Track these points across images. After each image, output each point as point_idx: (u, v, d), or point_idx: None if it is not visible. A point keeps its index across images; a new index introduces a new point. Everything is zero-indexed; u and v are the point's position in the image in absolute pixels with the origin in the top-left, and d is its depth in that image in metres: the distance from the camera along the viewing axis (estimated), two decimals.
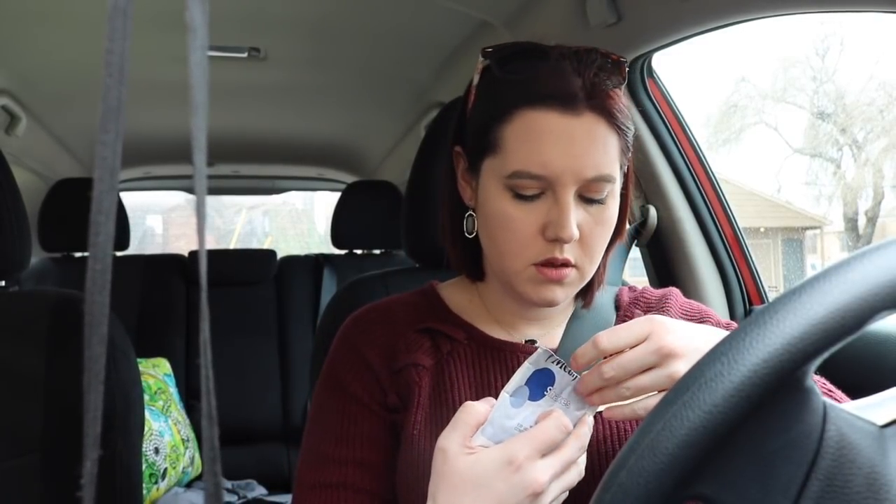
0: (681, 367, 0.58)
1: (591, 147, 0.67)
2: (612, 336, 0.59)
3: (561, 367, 0.60)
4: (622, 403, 0.60)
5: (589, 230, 0.69)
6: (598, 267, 0.77)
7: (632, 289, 0.86)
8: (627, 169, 0.75)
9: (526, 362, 0.60)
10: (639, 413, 0.59)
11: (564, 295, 0.71)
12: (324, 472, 0.72)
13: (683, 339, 0.59)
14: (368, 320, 0.79)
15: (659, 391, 0.58)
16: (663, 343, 0.58)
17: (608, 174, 0.68)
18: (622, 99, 0.70)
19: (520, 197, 0.68)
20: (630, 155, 0.73)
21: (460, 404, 0.71)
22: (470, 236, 0.76)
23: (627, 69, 0.71)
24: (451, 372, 0.74)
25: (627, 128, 0.70)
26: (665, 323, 0.60)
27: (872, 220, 8.55)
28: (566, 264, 0.69)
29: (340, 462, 0.72)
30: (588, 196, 0.68)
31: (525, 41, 0.71)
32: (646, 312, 0.81)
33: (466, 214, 0.76)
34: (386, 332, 0.77)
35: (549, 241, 0.68)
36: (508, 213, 0.69)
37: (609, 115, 0.67)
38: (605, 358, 0.60)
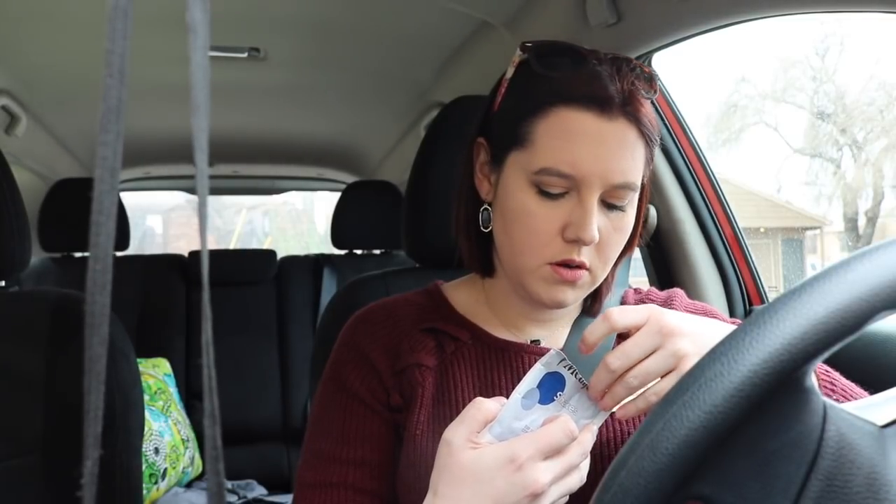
0: (684, 345, 0.58)
1: (621, 153, 0.67)
2: (622, 312, 0.61)
3: (572, 373, 0.60)
4: (633, 397, 0.60)
5: (607, 235, 0.69)
6: (611, 275, 0.77)
7: (637, 291, 0.86)
8: (645, 181, 0.75)
9: (538, 364, 0.60)
10: (651, 400, 0.59)
11: (574, 297, 0.71)
12: (325, 472, 0.72)
13: (682, 319, 0.61)
14: (372, 320, 0.79)
15: (665, 374, 0.59)
16: (663, 323, 0.59)
17: (633, 182, 0.68)
18: (652, 111, 0.70)
19: (544, 194, 0.68)
20: (650, 168, 0.73)
21: (464, 405, 0.71)
22: (485, 230, 0.75)
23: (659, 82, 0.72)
24: (455, 372, 0.74)
25: (654, 140, 0.70)
26: (662, 308, 0.62)
27: (872, 220, 8.54)
28: (581, 266, 0.69)
29: (342, 462, 0.72)
30: (610, 202, 0.69)
31: (563, 42, 0.71)
32: None
33: (482, 209, 0.76)
34: (390, 331, 0.77)
35: (569, 241, 0.68)
36: (530, 209, 0.68)
37: (640, 124, 0.68)
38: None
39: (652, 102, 0.71)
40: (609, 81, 0.67)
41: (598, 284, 0.73)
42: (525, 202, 0.69)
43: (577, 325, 0.78)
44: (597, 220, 0.67)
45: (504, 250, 0.73)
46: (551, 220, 0.68)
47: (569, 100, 0.67)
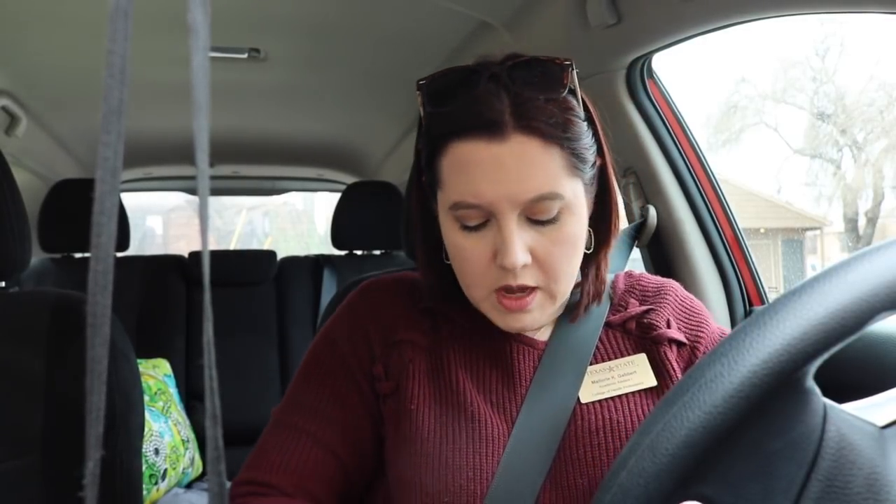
0: None
1: (524, 170, 0.64)
2: None
3: None
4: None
5: (545, 252, 0.67)
6: (590, 283, 0.76)
7: (628, 274, 0.85)
8: (603, 168, 0.73)
9: None
10: None
11: (533, 319, 0.71)
12: (292, 415, 0.75)
13: None
14: (379, 289, 0.81)
15: None
16: None
17: (550, 192, 0.65)
18: (564, 112, 0.66)
19: (466, 228, 0.68)
20: (597, 159, 0.71)
21: (458, 384, 0.73)
22: (447, 261, 0.75)
23: (575, 72, 0.68)
24: (449, 352, 0.76)
25: (570, 138, 0.66)
26: None
27: (872, 220, 8.55)
28: (523, 289, 0.68)
29: (310, 410, 0.75)
30: (536, 218, 0.67)
31: (457, 66, 0.70)
32: (641, 301, 0.80)
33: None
34: (390, 304, 0.79)
35: (501, 268, 0.67)
36: (460, 243, 0.69)
37: (541, 134, 0.65)
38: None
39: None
40: (498, 100, 0.65)
41: (561, 299, 0.72)
42: (454, 238, 0.70)
43: (560, 322, 0.78)
44: (523, 241, 0.66)
45: (460, 283, 0.74)
46: (481, 251, 0.68)
47: (458, 133, 0.66)
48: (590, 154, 0.70)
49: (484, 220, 0.67)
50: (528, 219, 0.67)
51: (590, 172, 0.70)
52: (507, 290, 0.68)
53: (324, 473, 0.72)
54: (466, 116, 0.66)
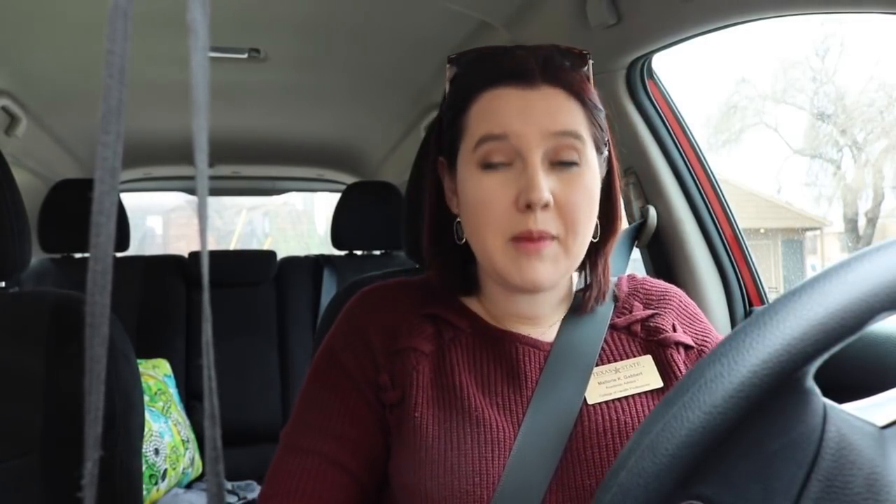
0: None
1: (551, 109, 0.69)
2: None
3: None
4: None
5: (564, 197, 0.69)
6: (599, 274, 0.77)
7: (631, 277, 0.86)
8: (610, 159, 0.75)
9: None
10: None
11: (547, 272, 0.70)
12: (303, 437, 0.74)
13: None
14: (377, 297, 0.80)
15: None
16: None
17: (574, 130, 0.69)
18: (584, 80, 0.73)
19: (490, 167, 0.70)
20: (608, 139, 0.75)
21: (462, 389, 0.72)
22: (460, 242, 0.76)
23: (591, 60, 0.75)
24: (453, 358, 0.75)
25: (592, 103, 0.72)
26: None
27: (872, 221, 8.55)
28: (543, 236, 0.68)
29: (320, 430, 0.73)
30: (558, 160, 0.69)
31: (485, 46, 0.75)
32: (645, 305, 0.81)
33: (455, 221, 0.77)
34: (392, 311, 0.78)
35: (523, 210, 0.68)
36: (481, 187, 0.70)
37: (567, 86, 0.70)
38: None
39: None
40: (527, 58, 0.71)
41: (573, 258, 0.72)
42: (476, 184, 0.70)
43: (567, 321, 0.78)
44: (546, 182, 0.68)
45: (473, 242, 0.74)
46: (503, 193, 0.69)
47: (491, 82, 0.71)
48: (605, 128, 0.74)
49: (509, 160, 0.69)
50: (551, 163, 0.69)
51: (603, 150, 0.74)
52: (527, 238, 0.68)
53: (340, 493, 0.71)
54: (499, 68, 0.72)
